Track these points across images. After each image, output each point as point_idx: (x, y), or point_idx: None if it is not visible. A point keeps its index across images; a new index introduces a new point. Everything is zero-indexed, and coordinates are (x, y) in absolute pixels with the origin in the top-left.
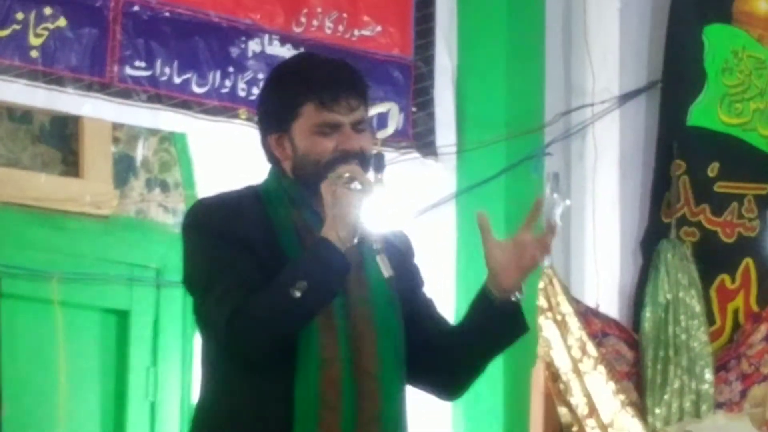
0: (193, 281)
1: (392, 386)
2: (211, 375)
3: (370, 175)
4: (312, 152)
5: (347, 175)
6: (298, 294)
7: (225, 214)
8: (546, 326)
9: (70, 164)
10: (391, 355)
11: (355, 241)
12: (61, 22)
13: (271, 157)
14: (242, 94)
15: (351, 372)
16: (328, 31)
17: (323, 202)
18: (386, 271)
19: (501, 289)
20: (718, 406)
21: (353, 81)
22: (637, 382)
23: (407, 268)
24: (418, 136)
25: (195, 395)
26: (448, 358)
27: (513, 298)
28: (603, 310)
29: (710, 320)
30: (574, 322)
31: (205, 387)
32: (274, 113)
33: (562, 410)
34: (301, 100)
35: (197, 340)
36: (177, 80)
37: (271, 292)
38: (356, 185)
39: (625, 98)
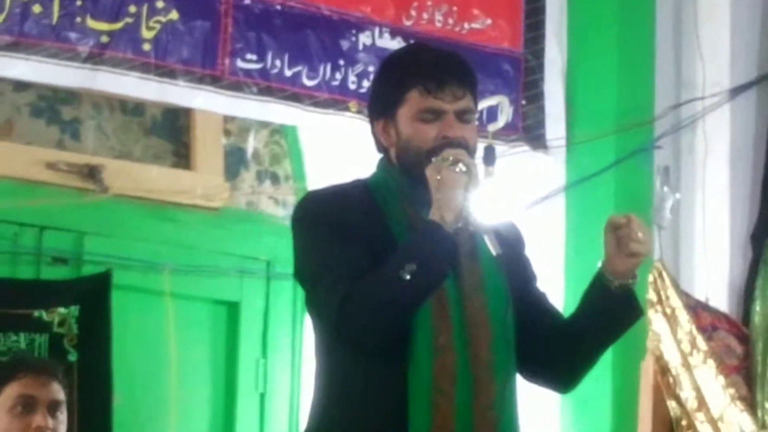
0: (304, 273)
1: (506, 376)
2: (324, 366)
3: (481, 167)
4: (414, 138)
5: (451, 158)
6: (407, 276)
7: (336, 206)
8: (656, 320)
9: (182, 156)
10: (503, 345)
11: (461, 224)
12: (173, 15)
13: (379, 145)
14: (352, 86)
15: (466, 360)
16: (438, 24)
17: (429, 187)
18: (494, 249)
19: (614, 274)
20: None
21: (460, 70)
22: (747, 377)
23: (518, 259)
24: (528, 129)
25: (304, 387)
26: (563, 348)
27: (627, 282)
28: (713, 303)
29: None
30: (683, 316)
31: (319, 378)
32: (381, 100)
33: (672, 404)
34: (407, 87)
35: (307, 333)
36: (288, 73)
37: (380, 276)
38: (461, 167)
39: (735, 91)
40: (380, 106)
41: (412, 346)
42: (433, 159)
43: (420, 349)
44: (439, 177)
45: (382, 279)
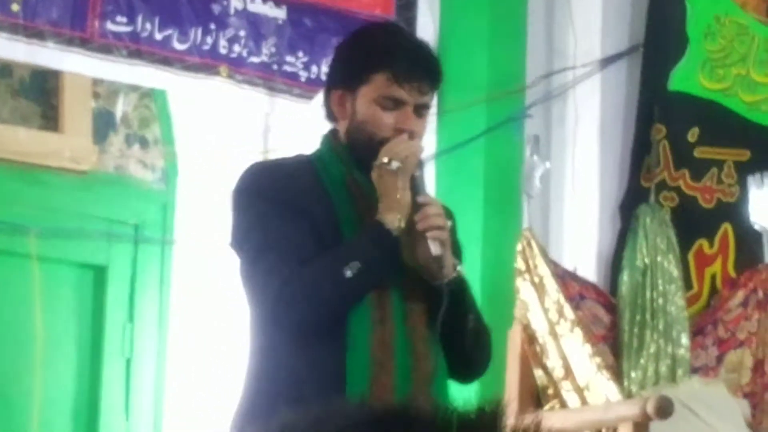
0: (243, 246)
1: (438, 350)
2: (259, 340)
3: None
4: (370, 122)
5: (385, 158)
6: (349, 273)
7: (279, 181)
8: (523, 288)
9: (50, 119)
10: (434, 319)
11: (405, 223)
12: None
13: (330, 114)
14: (223, 51)
15: (404, 332)
16: None
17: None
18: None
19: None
20: (694, 370)
21: (432, 68)
22: (614, 346)
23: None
24: None
25: (170, 352)
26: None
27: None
28: (581, 273)
29: (687, 285)
30: (551, 285)
31: (254, 352)
32: (345, 70)
33: (538, 372)
34: (376, 67)
35: (173, 298)
36: (158, 36)
37: (323, 269)
38: (393, 164)
39: (606, 62)
40: (342, 76)
41: (350, 320)
42: (374, 163)
43: (358, 323)
44: (380, 181)
45: (325, 272)
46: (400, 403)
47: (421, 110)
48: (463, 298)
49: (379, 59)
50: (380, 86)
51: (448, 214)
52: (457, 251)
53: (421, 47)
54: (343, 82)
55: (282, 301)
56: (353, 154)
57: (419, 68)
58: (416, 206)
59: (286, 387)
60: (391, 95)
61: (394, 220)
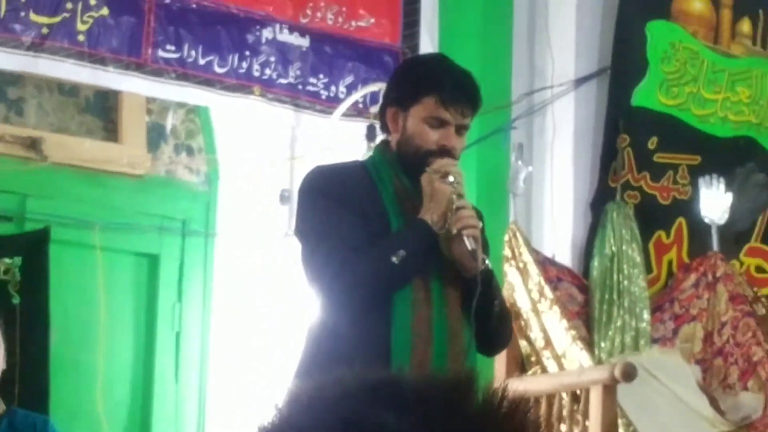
0: (305, 236)
1: (471, 330)
2: (320, 313)
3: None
4: (417, 137)
5: (443, 170)
6: (396, 260)
7: (336, 181)
8: (510, 272)
9: (110, 131)
10: (468, 304)
11: (445, 226)
12: (104, 11)
13: (384, 127)
14: (256, 74)
15: (442, 312)
16: (330, 22)
17: (422, 189)
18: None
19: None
20: (654, 341)
21: (474, 96)
22: (586, 321)
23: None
24: None
25: (213, 327)
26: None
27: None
28: (558, 259)
29: (648, 269)
30: (533, 269)
31: (316, 321)
32: (400, 92)
33: (523, 343)
34: (427, 91)
35: (215, 281)
36: (201, 62)
37: (374, 255)
38: (449, 179)
39: (579, 82)
40: (397, 96)
41: (395, 299)
42: (427, 169)
43: (401, 300)
44: (432, 186)
45: (376, 258)
46: (391, 372)
47: (461, 130)
48: (491, 286)
49: (429, 85)
50: (429, 108)
51: (480, 216)
52: (485, 248)
53: (465, 76)
54: (397, 101)
55: (337, 283)
56: (401, 162)
57: (462, 95)
58: (455, 210)
59: (340, 353)
60: (438, 116)
61: (436, 218)
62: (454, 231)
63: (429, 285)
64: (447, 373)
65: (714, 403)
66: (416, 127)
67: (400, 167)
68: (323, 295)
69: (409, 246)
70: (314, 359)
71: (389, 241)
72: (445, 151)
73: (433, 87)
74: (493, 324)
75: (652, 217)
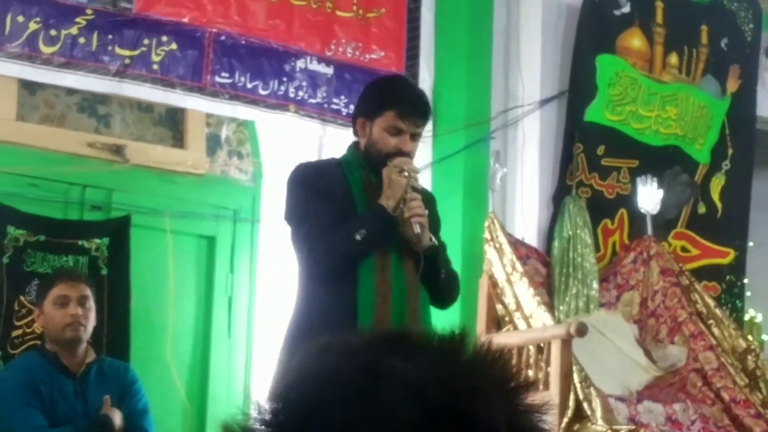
0: (291, 219)
1: (423, 289)
2: (301, 285)
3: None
4: (379, 142)
5: (399, 165)
6: (358, 237)
7: (315, 174)
8: (489, 251)
9: (178, 140)
10: (418, 271)
11: (399, 210)
12: (173, 46)
13: (355, 132)
14: (291, 95)
15: (399, 277)
16: (349, 55)
17: (382, 179)
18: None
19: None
20: (601, 305)
21: (425, 109)
22: (548, 289)
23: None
24: None
25: (258, 292)
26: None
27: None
28: (527, 241)
29: (597, 249)
30: (507, 249)
31: (299, 288)
32: (368, 106)
33: (498, 306)
34: (388, 106)
35: (260, 257)
36: (249, 85)
37: (342, 233)
38: (404, 173)
39: (543, 102)
40: (365, 109)
41: (360, 268)
42: (388, 162)
43: (366, 268)
44: (389, 177)
45: (342, 236)
46: (397, 328)
47: (415, 137)
48: (437, 258)
49: (390, 101)
50: (389, 119)
51: (431, 198)
52: (435, 227)
53: (418, 94)
54: (365, 113)
55: (312, 255)
56: (367, 160)
57: (416, 109)
58: (408, 200)
59: (319, 315)
60: (395, 126)
61: (392, 203)
62: (406, 215)
63: (389, 256)
64: (442, 330)
65: (648, 354)
66: (379, 134)
67: (367, 164)
68: (303, 266)
69: (368, 226)
70: (299, 325)
71: (353, 222)
72: (402, 153)
73: (392, 103)
74: (441, 287)
75: (600, 208)
